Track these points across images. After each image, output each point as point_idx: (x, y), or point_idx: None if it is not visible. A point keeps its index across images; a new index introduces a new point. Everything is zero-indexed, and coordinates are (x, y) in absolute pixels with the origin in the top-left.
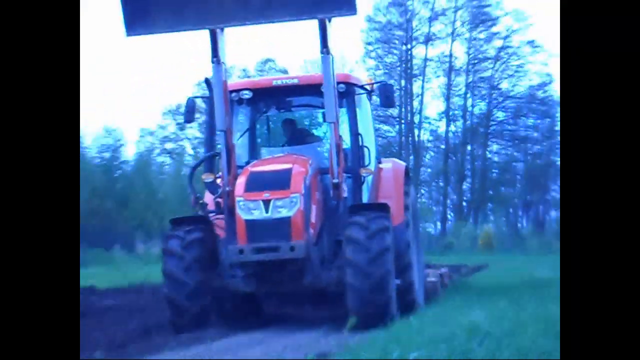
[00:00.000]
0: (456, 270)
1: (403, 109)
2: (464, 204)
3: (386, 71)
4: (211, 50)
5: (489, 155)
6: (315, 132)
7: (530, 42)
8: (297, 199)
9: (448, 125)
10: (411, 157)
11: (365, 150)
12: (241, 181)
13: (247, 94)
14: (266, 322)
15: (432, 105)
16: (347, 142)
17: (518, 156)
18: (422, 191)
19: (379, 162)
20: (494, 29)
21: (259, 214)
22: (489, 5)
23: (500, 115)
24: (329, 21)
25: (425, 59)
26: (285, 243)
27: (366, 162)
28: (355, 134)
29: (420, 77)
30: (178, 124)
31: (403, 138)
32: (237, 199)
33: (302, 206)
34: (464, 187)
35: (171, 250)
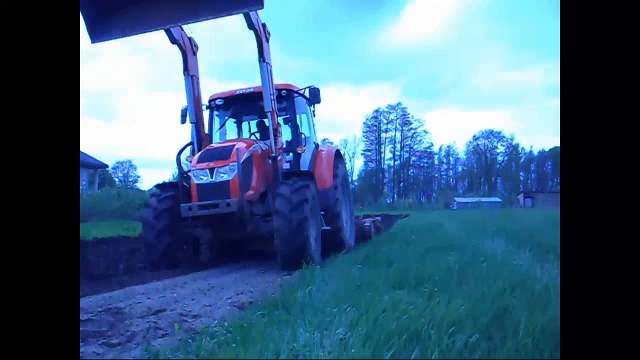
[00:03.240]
0: (398, 216)
1: (377, 154)
2: (401, 191)
3: (372, 138)
4: (182, 66)
5: (410, 174)
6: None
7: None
8: (235, 166)
9: (394, 161)
10: (380, 175)
11: (302, 135)
12: (196, 156)
13: (220, 101)
14: (248, 255)
15: (388, 151)
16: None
17: (419, 174)
18: (385, 188)
19: (317, 146)
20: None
21: (206, 179)
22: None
23: (412, 158)
24: (267, 40)
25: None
26: (223, 201)
27: (302, 144)
28: (294, 125)
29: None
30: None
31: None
32: (192, 169)
33: (240, 172)
34: (400, 185)
35: (148, 204)
